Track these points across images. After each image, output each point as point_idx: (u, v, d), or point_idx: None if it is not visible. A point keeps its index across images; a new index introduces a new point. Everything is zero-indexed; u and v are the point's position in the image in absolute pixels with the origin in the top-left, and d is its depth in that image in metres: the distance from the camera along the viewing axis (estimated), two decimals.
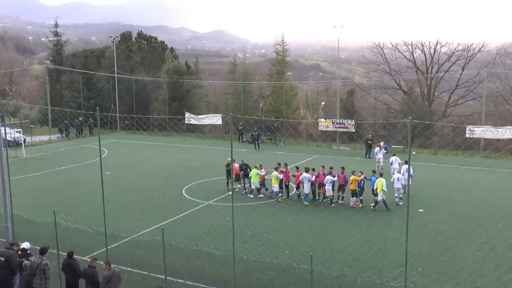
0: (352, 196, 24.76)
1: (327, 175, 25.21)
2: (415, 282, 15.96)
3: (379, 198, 24.09)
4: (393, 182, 25.28)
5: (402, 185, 25.24)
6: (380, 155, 34.77)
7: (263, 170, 26.83)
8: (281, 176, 25.99)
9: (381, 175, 24.87)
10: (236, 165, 27.39)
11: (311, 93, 69.03)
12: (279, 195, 26.18)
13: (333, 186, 25.18)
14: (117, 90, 58.05)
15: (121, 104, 58.69)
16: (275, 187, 25.98)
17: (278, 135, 48.23)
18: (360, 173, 24.93)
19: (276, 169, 26.23)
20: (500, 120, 51.06)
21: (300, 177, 25.56)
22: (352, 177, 24.70)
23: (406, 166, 26.85)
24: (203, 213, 24.13)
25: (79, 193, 27.83)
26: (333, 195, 25.30)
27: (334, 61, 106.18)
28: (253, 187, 26.89)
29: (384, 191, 23.98)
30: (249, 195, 26.99)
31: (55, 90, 67.11)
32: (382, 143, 37.18)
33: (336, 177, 25.19)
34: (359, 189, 24.68)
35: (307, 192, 25.53)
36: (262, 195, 26.78)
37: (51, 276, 14.42)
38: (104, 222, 16.76)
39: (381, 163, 34.17)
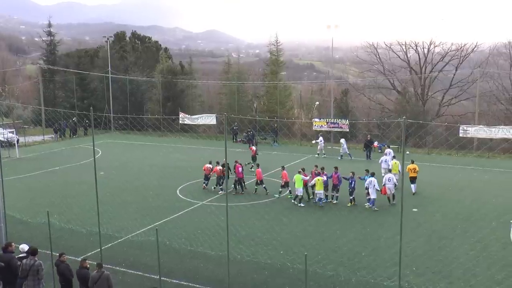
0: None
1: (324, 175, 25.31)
2: (409, 281, 16.00)
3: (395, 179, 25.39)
4: (385, 183, 25.10)
5: (395, 184, 25.46)
6: (345, 146, 39.13)
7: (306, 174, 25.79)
8: (325, 180, 25.22)
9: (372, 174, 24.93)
10: (259, 169, 27.76)
11: (305, 93, 69.03)
12: (323, 200, 25.19)
13: (326, 186, 25.44)
14: (111, 90, 57.86)
15: (115, 104, 58.51)
16: (320, 193, 25.03)
17: (272, 134, 48.19)
18: (351, 173, 25.05)
19: (318, 174, 25.36)
20: (493, 120, 51.23)
21: (366, 183, 24.46)
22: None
23: (390, 150, 30.41)
24: (197, 213, 24.11)
25: (73, 194, 27.73)
26: (327, 195, 25.57)
27: (328, 61, 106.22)
28: (297, 193, 25.14)
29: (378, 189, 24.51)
30: (299, 204, 25.02)
31: (49, 90, 66.87)
32: (376, 143, 37.24)
33: (326, 177, 25.26)
34: (350, 189, 24.74)
35: (374, 197, 24.33)
36: (303, 205, 25.05)
37: (44, 277, 14.35)
38: (98, 222, 16.69)
39: (342, 152, 38.88)
